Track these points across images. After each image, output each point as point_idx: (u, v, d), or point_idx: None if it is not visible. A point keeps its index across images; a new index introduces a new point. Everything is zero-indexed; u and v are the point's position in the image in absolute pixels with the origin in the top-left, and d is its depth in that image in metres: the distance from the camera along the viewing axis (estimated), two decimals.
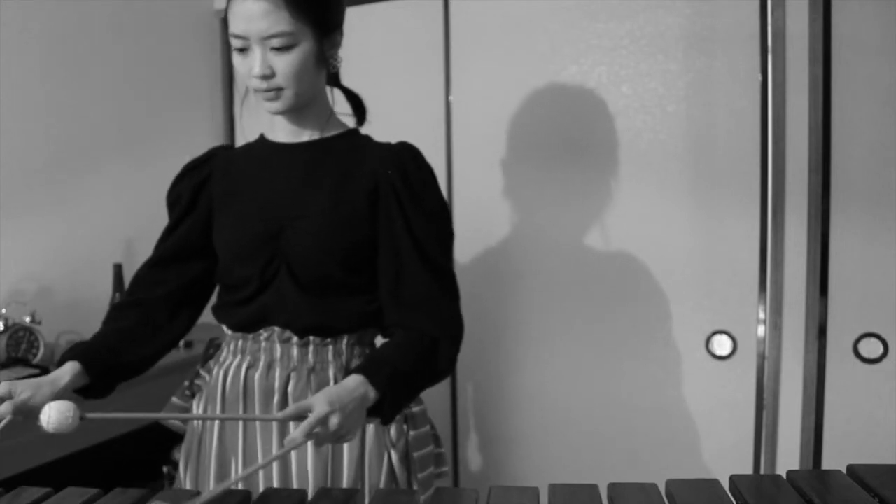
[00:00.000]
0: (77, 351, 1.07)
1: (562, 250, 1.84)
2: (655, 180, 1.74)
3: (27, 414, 0.98)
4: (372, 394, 1.00)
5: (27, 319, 1.72)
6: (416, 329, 1.10)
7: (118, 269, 1.89)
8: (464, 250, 1.95)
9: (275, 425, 1.13)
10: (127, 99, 2.09)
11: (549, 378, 1.88)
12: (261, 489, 1.09)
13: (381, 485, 1.13)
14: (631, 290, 1.78)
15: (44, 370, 1.08)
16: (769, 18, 1.59)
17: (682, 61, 1.69)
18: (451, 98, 1.94)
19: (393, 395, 1.02)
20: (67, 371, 1.04)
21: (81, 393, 1.07)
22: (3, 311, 1.71)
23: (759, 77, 1.62)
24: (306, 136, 1.16)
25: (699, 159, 1.70)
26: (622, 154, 1.76)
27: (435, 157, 1.95)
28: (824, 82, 1.56)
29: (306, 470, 1.11)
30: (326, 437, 0.93)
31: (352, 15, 2.02)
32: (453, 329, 1.14)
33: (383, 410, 1.02)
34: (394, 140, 1.18)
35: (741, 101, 1.65)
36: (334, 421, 0.93)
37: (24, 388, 0.98)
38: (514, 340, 1.91)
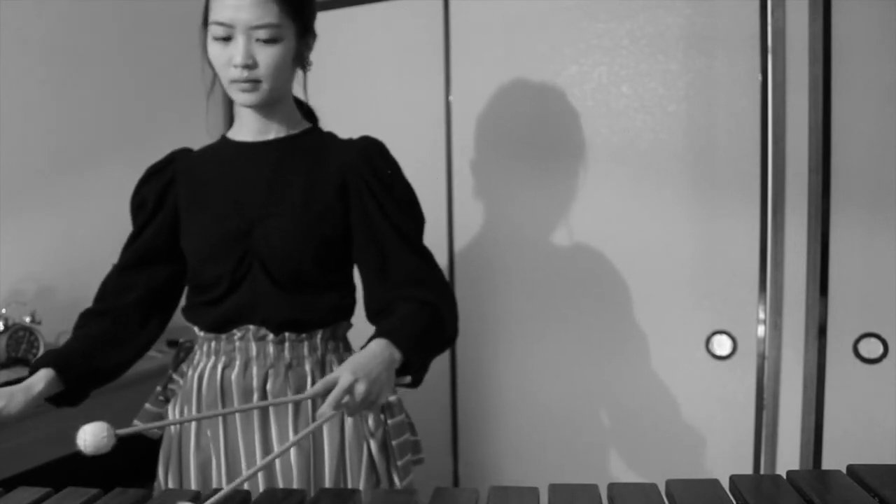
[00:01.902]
0: (50, 358, 1.07)
1: (562, 250, 1.84)
2: (655, 180, 1.74)
3: (2, 423, 0.98)
4: (397, 355, 1.01)
5: (27, 319, 1.72)
6: (416, 299, 1.11)
7: None
8: (463, 250, 1.95)
9: (256, 423, 1.13)
10: (127, 99, 2.09)
11: (549, 378, 1.88)
12: (244, 482, 1.10)
13: (362, 474, 1.14)
14: (631, 290, 1.78)
15: (33, 365, 1.08)
16: (769, 18, 1.58)
17: (682, 61, 1.69)
18: (451, 98, 1.94)
19: (418, 354, 1.04)
20: (41, 378, 1.04)
21: (53, 401, 1.07)
22: (3, 311, 1.71)
23: (759, 77, 1.62)
24: (272, 134, 1.17)
25: (699, 159, 1.70)
26: (622, 154, 1.76)
27: (435, 157, 1.96)
28: (824, 82, 1.56)
29: (289, 463, 1.12)
30: (356, 406, 0.94)
31: (352, 15, 2.04)
32: (449, 296, 1.16)
33: (413, 368, 1.03)
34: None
35: (741, 101, 1.65)
36: (360, 388, 0.93)
37: None
38: (514, 340, 1.91)
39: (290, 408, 1.13)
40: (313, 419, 1.12)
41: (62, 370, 1.06)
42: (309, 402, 1.13)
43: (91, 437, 0.87)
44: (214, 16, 1.06)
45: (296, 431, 1.12)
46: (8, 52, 1.80)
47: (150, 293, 1.19)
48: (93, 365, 1.11)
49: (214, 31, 1.07)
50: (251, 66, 1.06)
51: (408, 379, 1.06)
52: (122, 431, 0.90)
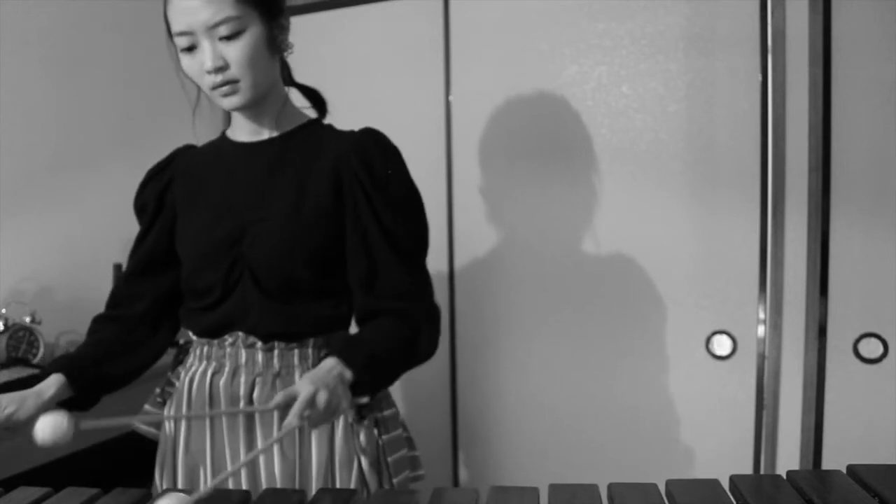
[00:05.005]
0: (61, 363, 1.07)
1: (562, 251, 1.84)
2: (655, 180, 1.74)
3: (13, 428, 0.98)
4: (348, 374, 1.00)
5: (27, 319, 1.72)
6: (397, 313, 1.09)
7: (118, 269, 1.89)
8: (463, 251, 1.95)
9: (242, 430, 1.11)
10: (127, 99, 2.09)
11: (550, 378, 1.88)
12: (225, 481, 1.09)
13: None
14: (631, 291, 1.78)
15: (43, 370, 1.08)
16: (769, 18, 1.58)
17: (682, 61, 1.69)
18: (451, 98, 1.94)
19: (369, 375, 1.02)
20: (52, 384, 1.03)
21: (65, 405, 1.06)
22: (3, 311, 1.71)
23: (759, 77, 1.62)
24: (266, 133, 1.14)
25: (699, 159, 1.70)
26: (622, 154, 1.76)
27: (435, 157, 1.96)
28: (824, 82, 1.56)
29: (274, 477, 1.09)
30: (320, 416, 0.95)
31: (352, 15, 2.04)
32: (432, 313, 1.13)
33: (361, 389, 1.02)
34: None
35: (741, 102, 1.65)
36: (322, 397, 0.94)
37: (9, 402, 0.98)
38: (514, 340, 1.91)
39: (276, 417, 1.09)
40: (300, 434, 1.10)
41: (73, 376, 1.05)
42: None
43: (50, 428, 0.92)
44: (173, 27, 1.03)
45: (281, 444, 1.09)
46: (8, 52, 1.80)
47: (157, 301, 1.18)
48: (103, 371, 1.10)
49: (179, 42, 1.03)
50: (223, 67, 1.02)
51: (364, 399, 1.05)
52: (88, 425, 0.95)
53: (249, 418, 1.11)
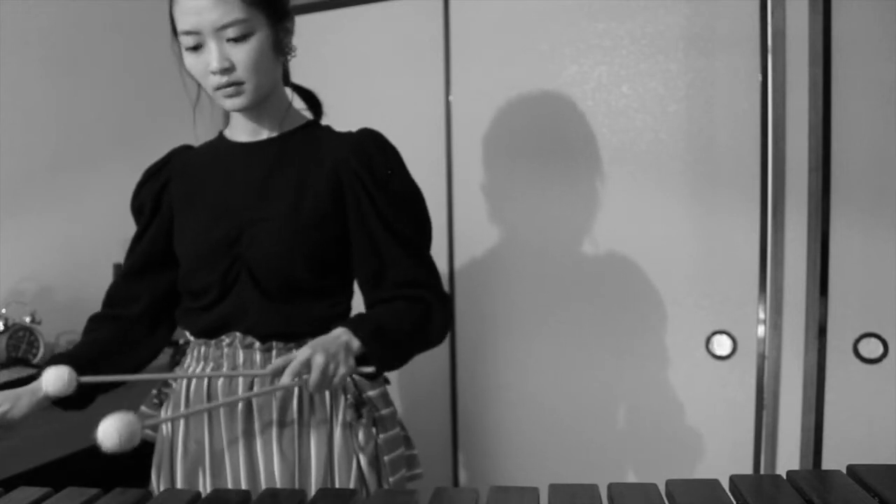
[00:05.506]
0: (57, 362, 1.06)
1: (562, 250, 1.84)
2: (656, 180, 1.74)
3: (8, 426, 0.98)
4: (355, 343, 1.02)
5: (27, 319, 1.72)
6: (408, 297, 1.11)
7: (118, 269, 1.89)
8: (463, 250, 1.95)
9: (240, 431, 1.11)
10: (127, 99, 2.09)
11: (550, 378, 1.88)
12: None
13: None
14: (631, 291, 1.78)
15: (39, 369, 1.08)
16: (769, 18, 1.58)
17: (682, 61, 1.69)
18: (451, 98, 1.94)
19: (377, 345, 1.04)
20: None
21: (60, 404, 1.06)
22: (3, 311, 1.71)
23: (759, 77, 1.62)
24: (265, 133, 1.14)
25: (699, 159, 1.70)
26: (622, 154, 1.76)
27: (435, 157, 1.96)
28: (824, 82, 1.56)
29: (274, 477, 1.09)
30: (317, 380, 0.97)
31: (352, 15, 2.04)
32: (443, 302, 1.15)
33: (373, 358, 1.04)
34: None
35: (741, 102, 1.65)
36: (319, 359, 0.96)
37: (4, 400, 0.98)
38: (514, 340, 1.91)
39: (275, 420, 1.10)
40: (299, 434, 1.10)
41: None
42: (295, 421, 1.10)
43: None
44: (180, 25, 1.03)
45: (280, 444, 1.09)
46: (8, 52, 1.80)
47: (155, 301, 1.18)
48: (100, 371, 1.10)
49: (184, 41, 1.03)
50: (229, 68, 1.02)
51: (369, 368, 1.05)
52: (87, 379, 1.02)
53: (248, 421, 1.11)
